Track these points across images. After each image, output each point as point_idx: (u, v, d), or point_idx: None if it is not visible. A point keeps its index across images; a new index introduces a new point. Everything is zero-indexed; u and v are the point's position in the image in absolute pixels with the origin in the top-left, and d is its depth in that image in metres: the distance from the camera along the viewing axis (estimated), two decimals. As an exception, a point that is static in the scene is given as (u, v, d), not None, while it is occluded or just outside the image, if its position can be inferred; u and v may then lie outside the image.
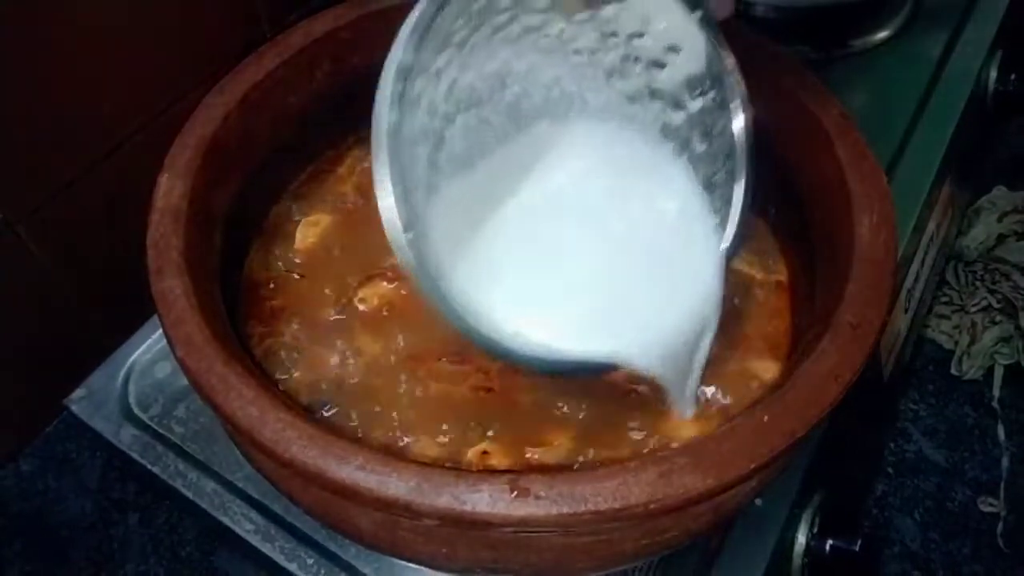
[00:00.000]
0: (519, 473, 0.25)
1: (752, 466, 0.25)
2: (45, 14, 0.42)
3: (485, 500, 0.24)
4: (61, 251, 0.49)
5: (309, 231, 0.41)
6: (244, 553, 0.43)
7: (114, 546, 0.49)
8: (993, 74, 0.63)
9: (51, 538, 0.49)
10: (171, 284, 0.29)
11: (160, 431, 0.43)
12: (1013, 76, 0.63)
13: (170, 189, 0.32)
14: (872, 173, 0.33)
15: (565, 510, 0.24)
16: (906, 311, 0.56)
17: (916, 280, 0.57)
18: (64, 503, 0.51)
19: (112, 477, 0.51)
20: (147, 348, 0.46)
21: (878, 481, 0.58)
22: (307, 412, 0.34)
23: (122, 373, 0.46)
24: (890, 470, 0.59)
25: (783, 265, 0.40)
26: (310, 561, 0.39)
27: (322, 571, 0.38)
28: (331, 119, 0.43)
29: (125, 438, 0.43)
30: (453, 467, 0.29)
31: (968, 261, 0.65)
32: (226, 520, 0.40)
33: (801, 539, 0.40)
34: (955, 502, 0.57)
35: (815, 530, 0.40)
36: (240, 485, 0.41)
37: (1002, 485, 0.57)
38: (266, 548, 0.39)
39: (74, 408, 0.44)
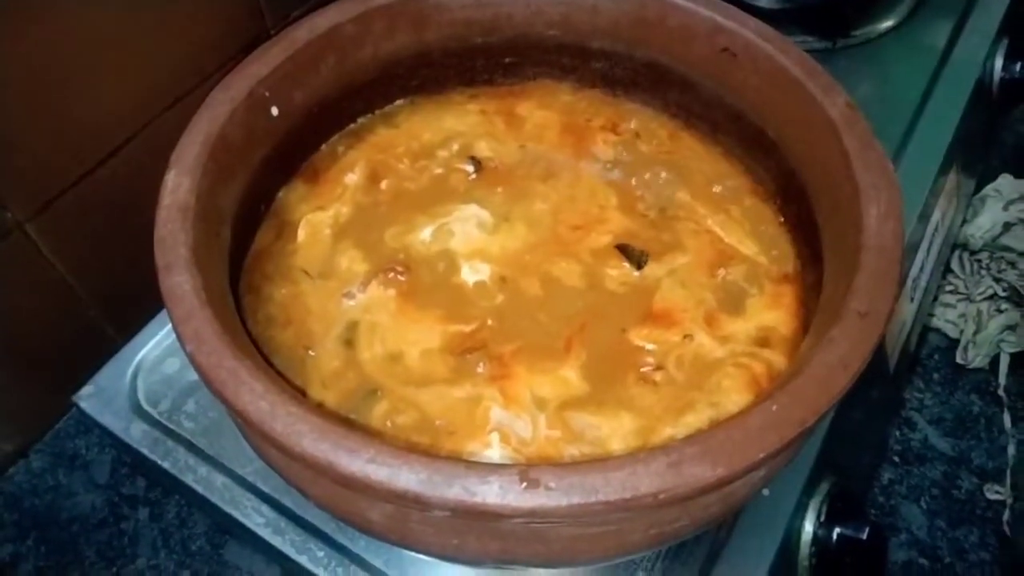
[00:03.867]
0: (529, 464, 0.25)
1: (762, 455, 0.25)
2: (47, 12, 0.42)
3: (495, 491, 0.25)
4: (69, 248, 0.49)
5: (316, 225, 0.41)
6: (254, 546, 0.43)
7: (125, 541, 0.49)
8: (999, 62, 0.63)
9: (63, 533, 0.50)
10: (180, 280, 0.29)
11: (170, 426, 0.44)
12: (1019, 64, 0.63)
13: (177, 185, 0.32)
14: (879, 163, 0.33)
15: (575, 501, 0.24)
16: (912, 300, 0.56)
17: (921, 269, 0.57)
18: (75, 499, 0.51)
19: (122, 472, 0.51)
20: (156, 344, 0.47)
21: (884, 470, 0.58)
22: (318, 406, 0.34)
23: (131, 369, 0.46)
24: (896, 459, 0.59)
25: (791, 254, 0.40)
26: (320, 554, 0.39)
27: (332, 563, 0.39)
28: (337, 113, 0.43)
29: (135, 434, 0.43)
30: (464, 459, 0.29)
31: (974, 250, 0.65)
32: (236, 514, 0.40)
33: (809, 528, 0.40)
34: (961, 490, 0.57)
35: (822, 519, 0.41)
36: (250, 479, 0.41)
37: (1008, 472, 0.57)
38: (276, 541, 0.39)
39: (83, 405, 0.45)
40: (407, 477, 0.25)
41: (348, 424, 0.33)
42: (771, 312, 0.37)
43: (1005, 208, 0.63)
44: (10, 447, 0.52)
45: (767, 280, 0.39)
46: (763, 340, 0.36)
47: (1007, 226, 0.63)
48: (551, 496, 0.24)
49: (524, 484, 0.25)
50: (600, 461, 0.25)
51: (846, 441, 0.46)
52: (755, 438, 0.26)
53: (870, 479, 0.57)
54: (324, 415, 0.27)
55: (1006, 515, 0.55)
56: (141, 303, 0.45)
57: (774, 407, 0.26)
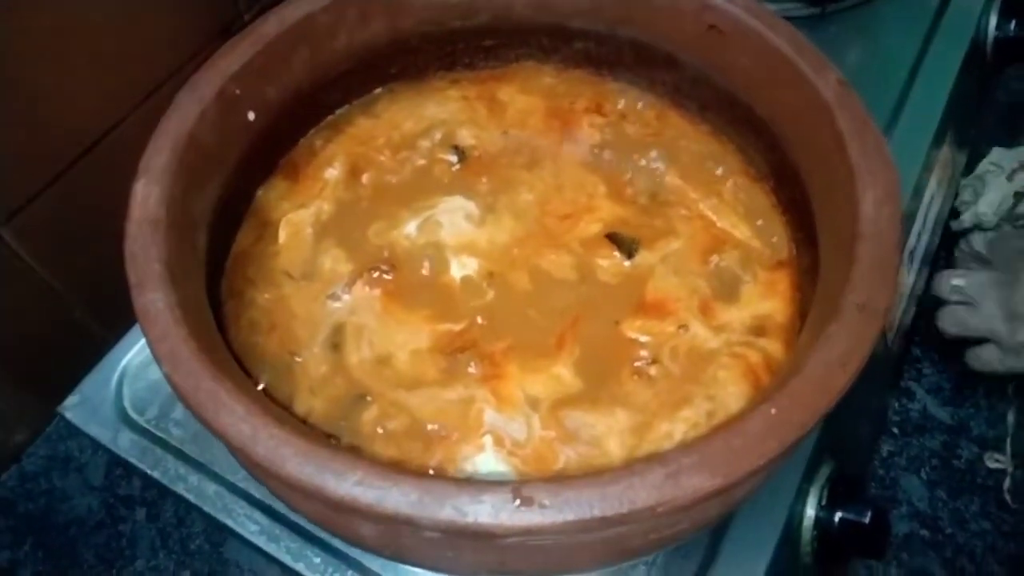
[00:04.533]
0: (522, 481, 0.24)
1: (762, 462, 0.25)
2: (13, 11, 0.40)
3: (488, 511, 0.24)
4: (48, 250, 0.48)
5: (297, 225, 0.40)
6: (252, 547, 0.42)
7: (123, 543, 0.49)
8: (993, 21, 0.61)
9: (60, 537, 0.49)
10: (153, 297, 0.28)
11: (158, 434, 0.43)
12: (1013, 22, 0.61)
13: (146, 196, 0.31)
14: (874, 145, 0.32)
15: (571, 517, 0.24)
16: (908, 273, 0.55)
17: (918, 240, 0.56)
18: (70, 502, 0.51)
19: (116, 474, 0.51)
20: (140, 349, 0.46)
21: (883, 442, 0.58)
22: (303, 420, 0.33)
23: (115, 376, 0.45)
24: (895, 430, 0.58)
25: (785, 236, 0.39)
26: (317, 560, 0.38)
27: (329, 569, 0.38)
28: (313, 106, 0.42)
29: (123, 443, 0.43)
30: (454, 478, 0.29)
31: (988, 228, 0.62)
32: (230, 522, 0.40)
33: (810, 513, 0.40)
34: (961, 459, 0.57)
35: (823, 503, 0.40)
36: (242, 486, 0.41)
37: (1008, 441, 0.57)
38: (271, 549, 0.39)
39: (68, 415, 0.44)
40: (396, 499, 0.24)
41: (335, 441, 0.32)
42: (766, 301, 0.36)
43: (1009, 179, 0.62)
44: (1, 452, 0.51)
45: (761, 267, 0.38)
46: (759, 329, 0.36)
47: (1019, 196, 0.61)
48: (546, 514, 0.24)
49: (517, 502, 0.24)
50: (595, 475, 0.24)
51: (845, 420, 0.45)
52: (754, 444, 0.25)
53: (870, 453, 0.57)
54: (309, 435, 0.26)
55: (1007, 483, 0.55)
56: (126, 301, 0.44)
57: (773, 410, 0.25)
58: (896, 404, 0.59)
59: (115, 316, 0.47)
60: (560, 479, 0.25)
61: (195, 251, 0.33)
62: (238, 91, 0.36)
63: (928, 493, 0.56)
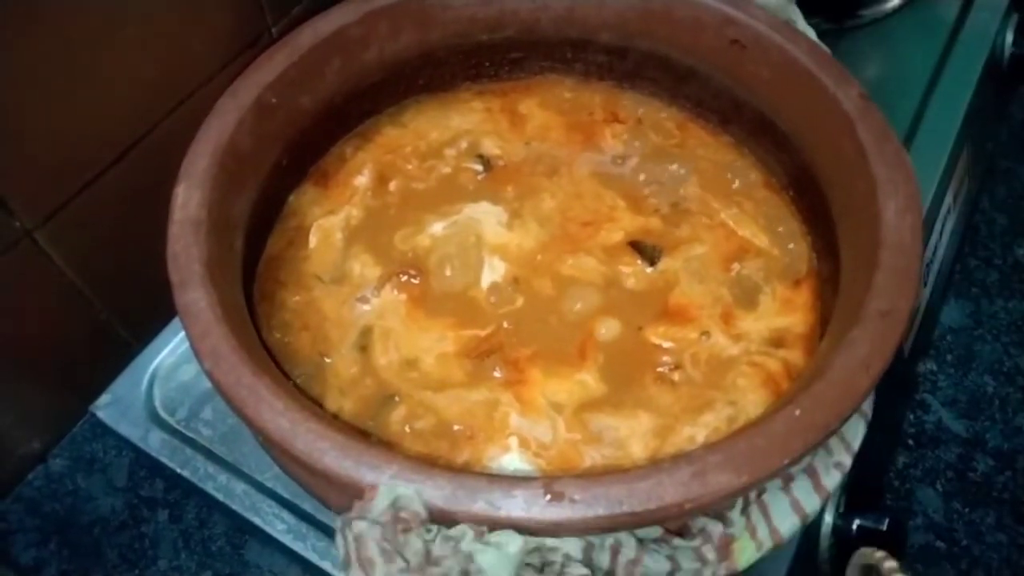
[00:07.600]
0: (552, 477, 0.25)
1: (786, 461, 0.25)
2: (48, 15, 0.41)
3: (520, 505, 0.25)
4: (80, 254, 0.49)
5: (327, 230, 0.41)
6: (275, 548, 0.43)
7: (146, 543, 0.49)
8: (1009, 38, 0.62)
9: (84, 537, 0.50)
10: (195, 296, 0.29)
11: (188, 434, 0.43)
12: (1031, 40, 0.62)
13: (188, 199, 0.32)
14: (895, 156, 0.33)
15: (600, 512, 0.24)
16: (925, 284, 0.56)
17: (935, 252, 0.56)
18: (94, 502, 0.51)
19: (140, 475, 0.51)
20: (171, 351, 0.47)
21: (899, 453, 0.58)
22: (335, 416, 0.34)
23: (147, 377, 0.46)
24: (911, 442, 0.59)
25: (805, 246, 0.40)
26: (342, 558, 0.39)
27: (355, 568, 0.39)
28: (344, 115, 0.43)
29: (153, 442, 0.43)
30: (487, 473, 0.29)
31: None
32: (257, 520, 0.41)
33: (828, 520, 0.40)
34: (977, 472, 0.57)
35: (841, 510, 0.41)
36: (269, 485, 0.41)
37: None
38: (298, 547, 0.40)
39: (100, 414, 0.45)
40: (431, 492, 0.25)
41: (367, 436, 0.33)
42: (784, 317, 0.37)
43: None
44: (29, 453, 0.52)
45: (780, 282, 0.38)
46: (777, 341, 0.36)
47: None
48: (576, 508, 0.24)
49: (548, 497, 0.25)
50: (623, 471, 0.25)
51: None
52: (779, 445, 0.26)
53: (886, 463, 0.57)
54: (345, 430, 0.27)
55: None
56: (154, 306, 0.45)
57: (797, 412, 0.26)
58: (911, 416, 0.60)
59: (139, 321, 0.48)
60: (590, 475, 0.25)
61: (233, 254, 0.34)
62: (274, 100, 0.37)
63: (944, 505, 0.56)
